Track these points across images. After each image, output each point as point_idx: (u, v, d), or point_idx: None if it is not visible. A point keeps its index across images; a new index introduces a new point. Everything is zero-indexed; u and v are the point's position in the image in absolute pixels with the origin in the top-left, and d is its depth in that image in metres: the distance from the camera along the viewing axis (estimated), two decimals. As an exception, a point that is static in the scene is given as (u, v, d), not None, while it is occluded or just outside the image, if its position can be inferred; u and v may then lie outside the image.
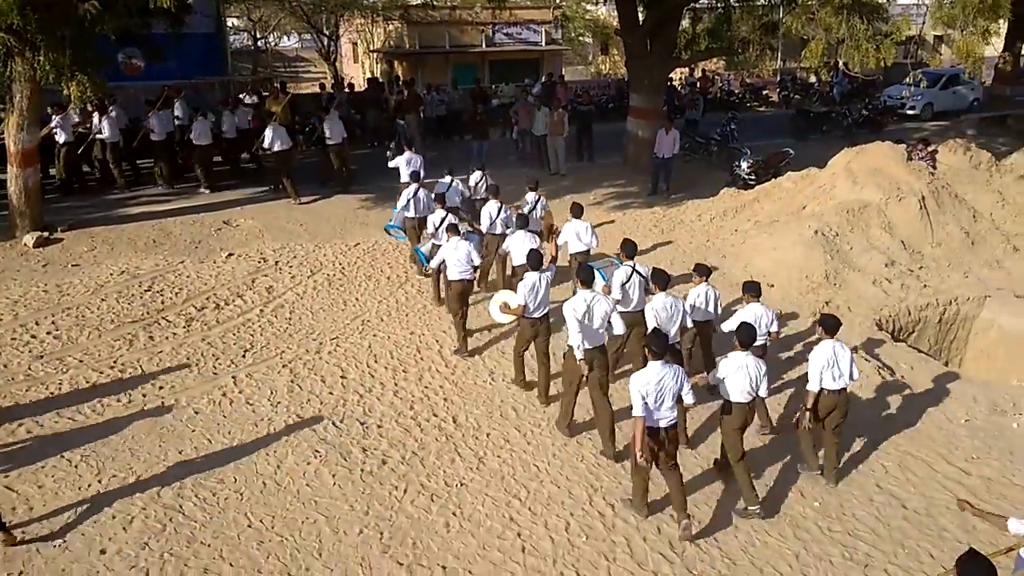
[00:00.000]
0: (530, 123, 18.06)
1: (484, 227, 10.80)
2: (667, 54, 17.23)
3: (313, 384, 8.62)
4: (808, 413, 6.92)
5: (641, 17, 17.34)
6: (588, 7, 36.55)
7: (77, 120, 15.07)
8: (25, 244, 12.27)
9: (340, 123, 15.85)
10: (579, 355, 7.13)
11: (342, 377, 8.79)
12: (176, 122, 16.20)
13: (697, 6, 19.23)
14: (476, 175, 12.65)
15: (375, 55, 31.91)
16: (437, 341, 9.68)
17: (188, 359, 9.06)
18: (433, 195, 11.15)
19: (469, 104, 20.85)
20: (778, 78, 28.77)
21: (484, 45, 29.06)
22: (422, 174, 12.09)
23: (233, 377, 8.69)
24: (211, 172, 15.96)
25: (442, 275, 9.90)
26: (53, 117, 14.48)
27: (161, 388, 8.42)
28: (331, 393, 8.45)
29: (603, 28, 36.77)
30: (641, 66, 17.40)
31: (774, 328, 7.88)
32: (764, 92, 28.50)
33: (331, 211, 14.56)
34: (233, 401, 8.21)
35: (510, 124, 19.79)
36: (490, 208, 10.74)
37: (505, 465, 7.25)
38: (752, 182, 15.98)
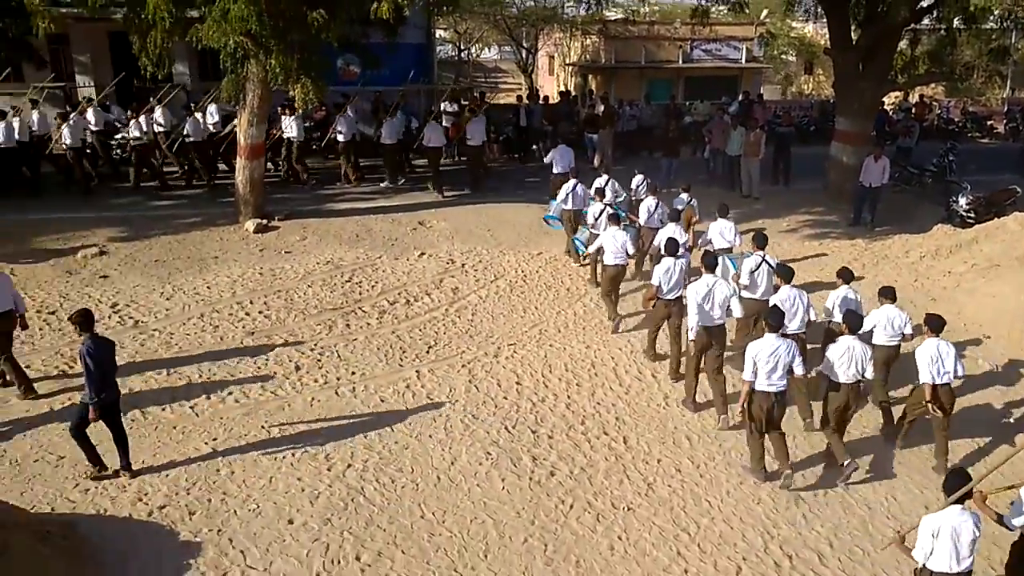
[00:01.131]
0: (724, 142, 17.52)
1: (642, 220, 11.82)
2: (881, 76, 16.08)
3: (489, 387, 8.82)
4: (930, 405, 7.33)
5: (855, 36, 16.32)
6: (794, 24, 34.97)
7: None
8: (246, 229, 13.54)
9: (481, 126, 17.20)
10: (691, 335, 8.07)
11: (517, 384, 8.94)
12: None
13: (917, 27, 17.80)
14: (638, 178, 13.39)
15: (570, 68, 32.37)
16: (612, 358, 9.60)
17: (379, 349, 9.59)
18: (592, 189, 12.15)
19: (662, 120, 20.58)
20: (1006, 108, 26.04)
21: (681, 61, 28.61)
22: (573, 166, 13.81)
23: (417, 371, 9.09)
24: (396, 169, 17.34)
25: (599, 260, 10.94)
26: (283, 117, 15.97)
27: (353, 373, 8.97)
28: (505, 398, 8.61)
29: (809, 46, 35.02)
30: (851, 88, 16.36)
31: (908, 331, 8.15)
32: (989, 122, 25.84)
33: (517, 218, 14.89)
34: (415, 394, 8.58)
35: (702, 142, 19.30)
36: (648, 203, 11.83)
37: (675, 495, 7.04)
38: (971, 220, 14.52)
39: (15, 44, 17.79)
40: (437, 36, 29.72)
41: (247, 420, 7.92)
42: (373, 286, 11.49)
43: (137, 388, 8.42)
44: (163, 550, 6.05)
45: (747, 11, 19.85)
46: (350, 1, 12.87)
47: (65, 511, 6.45)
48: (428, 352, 9.62)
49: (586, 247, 11.45)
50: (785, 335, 7.25)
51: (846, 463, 7.16)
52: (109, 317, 10.13)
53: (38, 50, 18.48)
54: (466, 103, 20.31)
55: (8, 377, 8.34)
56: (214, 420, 7.90)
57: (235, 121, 14.96)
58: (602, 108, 19.88)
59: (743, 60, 28.91)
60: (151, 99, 16.49)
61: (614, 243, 10.16)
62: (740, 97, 23.25)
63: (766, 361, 6.82)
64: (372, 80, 18.90)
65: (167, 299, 10.74)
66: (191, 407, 8.12)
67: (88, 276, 11.46)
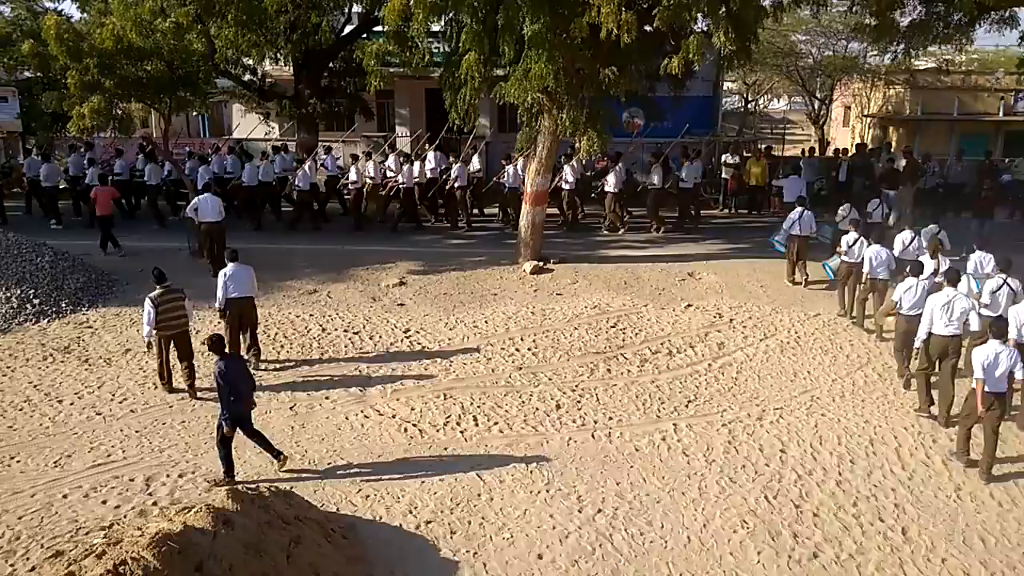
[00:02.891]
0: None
1: (896, 251, 11.89)
2: None
3: (750, 451, 8.42)
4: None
5: None
6: None
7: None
8: (524, 270, 14.39)
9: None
10: (918, 343, 9.17)
11: (781, 451, 8.43)
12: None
13: None
14: (844, 208, 14.42)
15: (868, 120, 30.22)
16: (895, 437, 8.69)
17: (637, 397, 9.62)
18: (848, 219, 13.38)
19: (974, 178, 18.40)
20: None
21: (1001, 113, 25.44)
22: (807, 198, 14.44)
23: (674, 424, 8.96)
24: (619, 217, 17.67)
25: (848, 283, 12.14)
26: (564, 165, 16.88)
27: (610, 418, 9.08)
28: (767, 465, 8.15)
29: None
30: None
31: None
32: None
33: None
34: (671, 447, 8.46)
35: (1022, 204, 16.93)
36: (904, 236, 12.26)
37: (963, 604, 6.15)
38: None
39: (352, 99, 20.83)
40: (724, 88, 29.45)
41: (508, 450, 8.34)
42: (636, 334, 11.57)
43: (418, 408, 9.27)
44: (425, 563, 6.54)
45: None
46: (640, 58, 13.30)
47: (347, 513, 7.25)
48: (687, 406, 9.44)
49: (834, 275, 12.69)
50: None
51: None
52: (401, 341, 11.31)
53: (368, 104, 21.43)
54: (748, 155, 19.84)
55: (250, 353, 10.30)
56: (480, 447, 8.43)
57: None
58: (903, 162, 18.27)
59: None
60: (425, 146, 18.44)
61: (876, 257, 11.25)
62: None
63: (989, 364, 7.73)
64: (654, 132, 19.23)
65: (450, 329, 11.74)
66: (461, 432, 8.75)
67: (388, 303, 12.92)
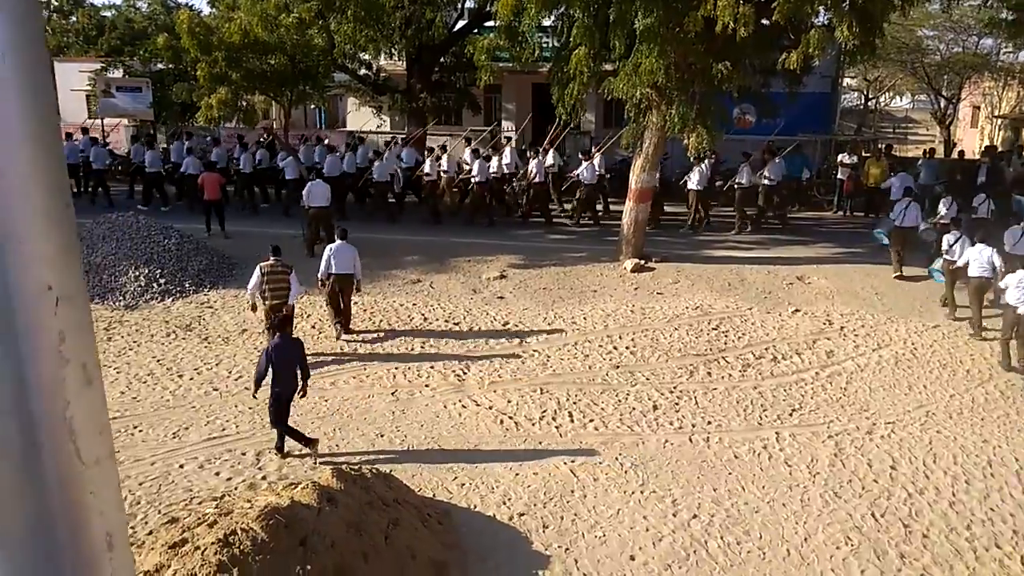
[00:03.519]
0: None
1: (1008, 247, 11.58)
2: None
3: (858, 465, 8.07)
4: None
5: None
6: None
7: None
8: (624, 268, 14.26)
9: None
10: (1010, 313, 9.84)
11: (892, 468, 8.03)
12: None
13: None
14: (946, 200, 14.00)
15: (999, 121, 28.27)
16: (1016, 459, 8.14)
17: (738, 402, 9.38)
18: (948, 215, 13.25)
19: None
20: None
21: None
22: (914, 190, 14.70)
23: (776, 433, 8.69)
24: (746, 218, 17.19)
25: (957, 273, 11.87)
26: (694, 166, 16.79)
27: (709, 422, 8.90)
28: (876, 481, 7.79)
29: None
30: None
31: None
32: None
33: (914, 285, 13.42)
34: (772, 456, 8.21)
35: None
36: (1014, 231, 11.89)
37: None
38: None
39: (461, 93, 21.18)
40: (843, 84, 28.21)
41: (603, 448, 8.31)
42: (739, 337, 11.28)
43: (514, 401, 9.36)
44: (517, 555, 6.62)
45: None
46: (755, 52, 12.91)
47: (443, 499, 7.41)
48: (791, 415, 9.13)
49: (942, 274, 12.48)
50: None
51: None
52: (499, 333, 11.44)
53: (476, 98, 21.74)
54: (867, 155, 18.94)
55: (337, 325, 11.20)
56: (575, 443, 8.44)
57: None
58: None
59: None
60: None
61: (979, 258, 11.01)
62: None
63: None
64: (767, 129, 18.64)
65: (548, 324, 11.79)
66: (556, 427, 8.78)
67: (488, 296, 13.08)
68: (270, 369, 7.82)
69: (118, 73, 23.44)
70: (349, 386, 9.84)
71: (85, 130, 20.65)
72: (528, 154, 18.48)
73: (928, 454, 8.28)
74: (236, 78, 14.95)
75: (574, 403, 9.32)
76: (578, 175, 17.37)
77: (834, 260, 14.95)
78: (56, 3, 35.86)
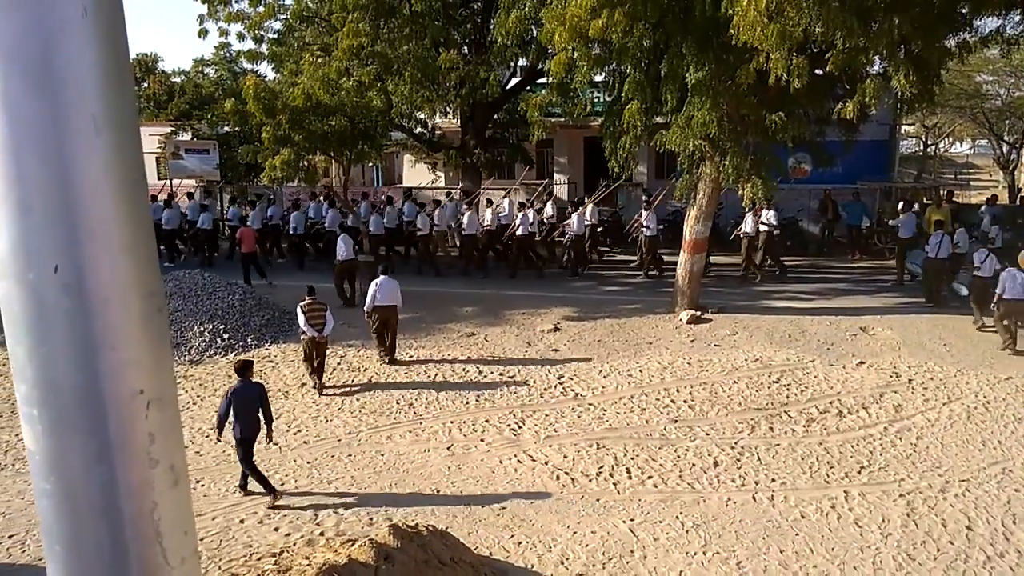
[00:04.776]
0: None
1: None
2: None
3: (932, 526, 7.69)
4: None
5: None
6: None
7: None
8: (680, 319, 14.10)
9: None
10: None
11: (968, 528, 7.64)
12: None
13: None
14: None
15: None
16: (1109, 523, 7.65)
17: (803, 459, 9.09)
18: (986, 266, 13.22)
19: None
20: None
21: None
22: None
23: (845, 492, 8.36)
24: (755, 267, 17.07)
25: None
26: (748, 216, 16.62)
27: (773, 480, 8.63)
28: (951, 543, 7.40)
29: None
30: None
31: None
32: None
33: (984, 335, 12.93)
34: (841, 516, 7.89)
35: None
36: None
37: None
38: None
39: (514, 148, 21.56)
40: (901, 131, 27.78)
41: (663, 507, 8.11)
42: (802, 391, 10.97)
43: (570, 456, 9.24)
44: (576, 615, 6.46)
45: None
46: (810, 102, 12.85)
47: (500, 558, 7.30)
48: (860, 472, 8.79)
49: (969, 292, 13.44)
50: None
51: None
52: (554, 387, 11.37)
53: (528, 152, 22.08)
54: (929, 202, 18.50)
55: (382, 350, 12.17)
56: (633, 500, 8.26)
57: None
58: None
59: None
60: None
61: (1014, 282, 11.85)
62: None
63: None
64: (823, 178, 18.42)
65: (604, 377, 11.67)
66: (614, 483, 8.62)
67: (543, 348, 13.06)
68: (231, 412, 8.27)
69: (187, 136, 24.55)
70: (405, 440, 9.86)
71: (172, 196, 21.75)
72: (568, 208, 18.79)
73: (1007, 514, 7.86)
74: (299, 139, 15.48)
75: (632, 458, 9.15)
76: (566, 224, 17.96)
77: (898, 310, 14.54)
78: (131, 72, 37.77)
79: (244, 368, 8.61)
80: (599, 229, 19.13)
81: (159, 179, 23.53)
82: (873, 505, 8.08)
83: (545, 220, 18.76)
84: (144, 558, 0.83)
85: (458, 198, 19.88)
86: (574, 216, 17.74)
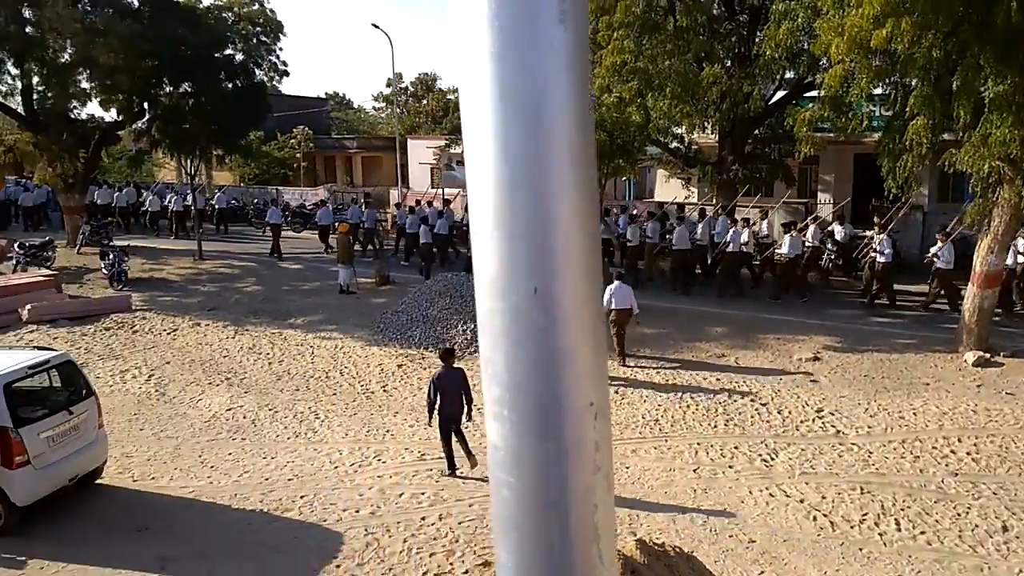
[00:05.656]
0: None
1: None
2: None
3: None
4: None
5: None
6: None
7: None
8: (965, 360, 12.58)
9: None
10: None
11: None
12: None
13: None
14: None
15: None
16: None
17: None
18: None
19: None
20: None
21: None
22: None
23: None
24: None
25: None
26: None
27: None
28: None
29: None
30: None
31: None
32: None
33: None
34: None
35: None
36: None
37: None
38: None
39: (774, 165, 20.66)
40: None
41: (937, 568, 7.29)
42: None
43: (829, 497, 8.61)
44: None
45: None
46: None
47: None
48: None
49: None
50: None
51: None
52: (812, 420, 10.67)
53: (790, 169, 21.03)
54: None
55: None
56: (902, 556, 7.50)
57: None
58: None
59: None
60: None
61: None
62: None
63: None
64: None
65: (870, 416, 10.74)
66: (880, 534, 7.89)
67: (800, 378, 12.32)
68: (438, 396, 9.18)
69: (459, 149, 26.48)
70: (650, 456, 9.81)
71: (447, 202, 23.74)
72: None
73: None
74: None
75: (902, 509, 8.32)
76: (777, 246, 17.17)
77: None
78: (412, 89, 41.73)
79: (447, 355, 9.72)
80: (832, 251, 17.73)
81: (432, 188, 25.66)
82: None
83: (759, 239, 17.82)
84: (585, 556, 0.92)
85: (710, 214, 19.34)
86: (786, 238, 16.62)
